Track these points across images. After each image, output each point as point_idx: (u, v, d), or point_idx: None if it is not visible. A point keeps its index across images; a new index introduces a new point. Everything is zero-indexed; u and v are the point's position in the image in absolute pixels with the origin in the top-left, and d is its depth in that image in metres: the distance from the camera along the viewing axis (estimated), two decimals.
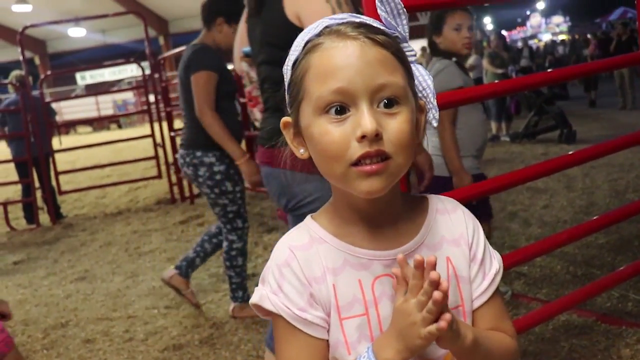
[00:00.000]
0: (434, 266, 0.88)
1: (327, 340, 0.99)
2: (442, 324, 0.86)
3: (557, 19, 43.43)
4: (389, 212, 1.00)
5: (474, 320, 1.05)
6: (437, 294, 0.86)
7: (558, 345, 2.83)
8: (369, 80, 0.90)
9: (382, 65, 0.91)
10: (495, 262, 1.07)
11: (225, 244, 3.61)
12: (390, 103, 0.91)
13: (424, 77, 1.01)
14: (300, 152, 1.01)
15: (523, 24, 51.11)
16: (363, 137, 0.89)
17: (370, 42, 0.92)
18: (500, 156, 8.07)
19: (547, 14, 46.14)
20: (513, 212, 5.17)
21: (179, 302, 4.01)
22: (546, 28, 43.29)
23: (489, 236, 3.25)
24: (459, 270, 1.03)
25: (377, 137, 0.89)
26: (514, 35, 39.88)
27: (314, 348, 0.98)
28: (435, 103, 1.00)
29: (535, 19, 45.45)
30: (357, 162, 0.90)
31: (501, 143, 9.30)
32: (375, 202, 0.96)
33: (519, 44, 29.91)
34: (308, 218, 1.06)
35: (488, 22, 50.50)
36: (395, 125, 0.91)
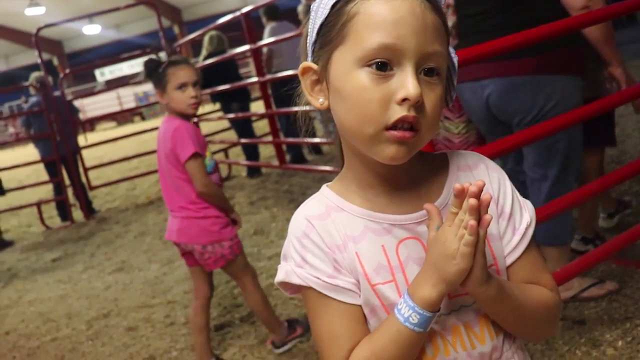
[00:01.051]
0: (479, 193, 0.86)
1: (361, 306, 0.97)
2: (482, 231, 0.87)
3: None
4: (408, 175, 0.97)
5: (508, 277, 1.01)
6: (472, 201, 0.85)
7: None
8: (423, 44, 0.86)
9: (437, 33, 0.88)
10: (526, 215, 1.01)
11: None
12: (432, 72, 0.88)
13: (452, 54, 0.98)
14: (320, 102, 0.97)
15: None
16: (404, 100, 0.85)
17: (429, 5, 0.88)
18: None
19: None
20: None
21: (216, 283, 4.04)
22: None
23: (600, 167, 3.17)
24: (488, 229, 0.98)
25: (418, 103, 0.86)
26: None
27: (350, 315, 0.96)
28: (455, 83, 0.99)
29: None
30: (392, 126, 0.87)
31: None
32: (395, 166, 0.93)
33: None
34: (324, 187, 1.03)
35: None
36: (433, 98, 0.88)
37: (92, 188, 7.62)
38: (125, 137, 8.42)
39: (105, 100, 24.31)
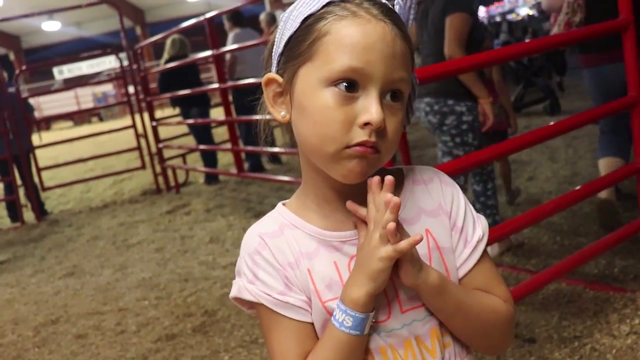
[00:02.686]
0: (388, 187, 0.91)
1: (311, 323, 0.97)
2: (402, 244, 0.87)
3: None
4: (362, 192, 0.96)
5: None
6: (388, 214, 0.88)
7: (548, 314, 2.86)
8: (390, 71, 0.88)
9: (404, 60, 0.90)
10: (478, 229, 1.03)
11: None
12: (397, 97, 0.91)
13: (414, 79, 1.00)
14: (282, 115, 0.97)
15: None
16: (366, 124, 0.87)
17: (400, 33, 0.90)
18: None
19: None
20: (498, 185, 5.18)
21: (169, 292, 4.01)
22: (524, 2, 43.29)
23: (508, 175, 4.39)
24: (440, 242, 1.00)
25: (379, 128, 0.87)
26: (492, 11, 39.85)
27: (300, 331, 0.97)
28: (413, 106, 1.02)
29: None
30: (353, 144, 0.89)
31: None
32: (350, 186, 0.94)
33: (498, 19, 29.93)
34: (279, 205, 1.05)
35: None
36: (394, 122, 0.90)
37: (44, 189, 7.44)
38: (82, 137, 8.26)
39: (62, 99, 23.80)
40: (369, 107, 0.87)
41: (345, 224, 0.98)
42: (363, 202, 0.96)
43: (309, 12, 0.91)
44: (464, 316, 0.97)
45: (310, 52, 0.90)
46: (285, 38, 0.94)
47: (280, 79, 0.95)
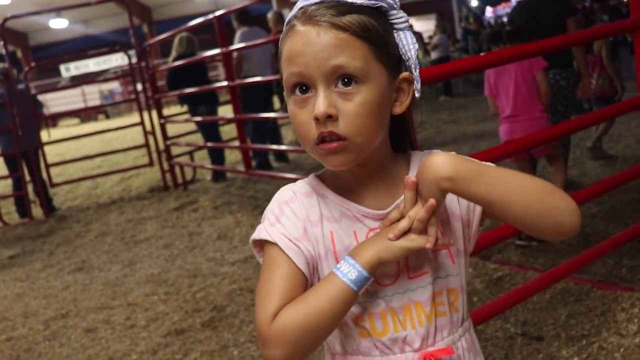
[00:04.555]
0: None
1: (306, 277, 1.03)
2: (427, 244, 0.97)
3: None
4: (377, 174, 1.06)
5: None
6: (423, 212, 0.96)
7: (556, 312, 2.87)
8: (321, 63, 0.96)
9: (336, 48, 0.95)
10: None
11: None
12: (349, 82, 0.96)
13: (409, 46, 1.02)
14: (292, 127, 1.08)
15: None
16: (317, 119, 0.96)
17: (328, 26, 0.96)
18: (490, 131, 8.09)
19: None
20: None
21: (178, 287, 4.04)
22: None
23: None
24: (450, 208, 1.08)
25: (330, 118, 0.95)
26: (499, 11, 39.79)
27: (295, 278, 1.01)
28: (417, 74, 1.02)
29: None
30: (320, 141, 0.98)
31: (490, 118, 9.31)
32: (360, 169, 1.04)
33: (505, 19, 29.86)
34: (312, 176, 1.12)
35: None
36: (351, 107, 0.96)
37: (53, 185, 7.48)
38: (91, 134, 8.29)
39: (69, 96, 23.87)
40: (316, 103, 0.96)
41: (363, 201, 1.06)
42: (379, 179, 1.06)
43: (281, 37, 1.04)
44: (513, 192, 0.96)
45: (281, 71, 1.03)
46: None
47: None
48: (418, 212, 0.97)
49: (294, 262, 1.01)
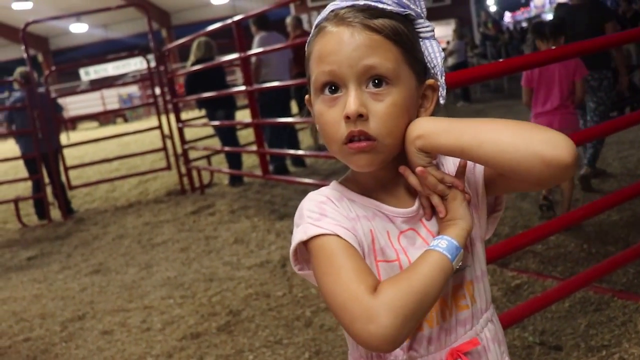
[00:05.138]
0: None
1: None
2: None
3: None
4: (397, 176, 1.05)
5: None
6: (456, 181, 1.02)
7: (575, 322, 2.84)
8: (354, 62, 0.97)
9: (369, 49, 0.97)
10: None
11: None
12: (379, 83, 0.98)
13: (435, 54, 1.05)
14: (317, 127, 1.08)
15: (527, 4, 50.67)
16: (348, 117, 0.96)
17: (362, 27, 0.98)
18: None
19: None
20: (524, 192, 5.15)
21: (194, 291, 4.04)
22: (550, 7, 42.90)
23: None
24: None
25: (361, 117, 0.96)
26: (518, 16, 39.54)
27: (366, 265, 0.97)
28: (443, 81, 1.05)
29: None
30: (349, 140, 0.98)
31: None
32: (382, 171, 1.04)
33: (524, 25, 29.71)
34: (334, 183, 1.11)
35: (492, 4, 50.11)
36: (381, 108, 0.98)
37: (71, 187, 7.54)
38: (109, 137, 8.35)
39: (88, 99, 24.10)
40: (347, 101, 0.97)
41: (392, 201, 1.06)
42: (401, 182, 1.07)
43: (308, 40, 1.06)
44: (483, 132, 0.96)
45: (309, 72, 1.05)
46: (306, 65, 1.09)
47: (309, 98, 1.09)
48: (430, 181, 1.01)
49: (355, 246, 0.98)
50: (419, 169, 1.00)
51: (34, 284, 4.85)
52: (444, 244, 0.97)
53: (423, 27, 1.04)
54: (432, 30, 1.05)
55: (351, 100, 0.96)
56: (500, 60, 3.08)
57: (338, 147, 1.00)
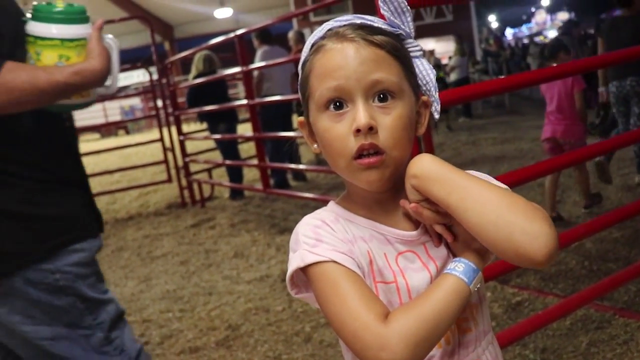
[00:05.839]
0: None
1: None
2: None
3: (563, 15, 43.27)
4: (397, 197, 1.04)
5: None
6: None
7: (576, 340, 2.82)
8: (362, 77, 0.97)
9: (375, 63, 0.98)
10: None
11: None
12: (385, 97, 0.98)
13: (427, 72, 1.07)
14: (314, 147, 1.09)
15: (528, 21, 50.96)
16: (358, 130, 0.96)
17: (365, 42, 0.99)
18: (510, 153, 8.05)
19: (552, 10, 45.99)
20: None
21: (193, 305, 4.02)
22: (552, 24, 43.13)
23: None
24: None
25: (371, 130, 0.96)
26: (520, 33, 39.71)
27: (370, 290, 0.96)
28: (437, 96, 1.06)
29: (541, 16, 45.30)
30: (358, 156, 0.97)
31: (510, 140, 9.26)
32: (385, 190, 1.03)
33: (525, 41, 29.85)
34: (331, 203, 1.10)
35: (493, 20, 50.39)
36: (389, 121, 0.98)
37: None
38: (111, 149, 8.36)
39: (90, 111, 23.94)
40: (356, 115, 0.97)
41: (397, 222, 1.05)
42: (396, 204, 1.05)
43: (303, 59, 1.07)
44: (471, 199, 0.93)
45: (309, 89, 1.04)
46: (299, 84, 1.09)
47: (304, 120, 1.09)
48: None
49: (355, 271, 0.97)
50: (412, 205, 1.00)
51: None
52: (461, 267, 0.96)
53: (412, 47, 1.07)
54: (421, 50, 1.08)
55: (361, 113, 0.96)
56: (502, 76, 3.08)
57: (346, 163, 0.99)
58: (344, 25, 1.02)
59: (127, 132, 24.62)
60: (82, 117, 23.24)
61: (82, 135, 25.11)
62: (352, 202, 1.08)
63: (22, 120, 1.66)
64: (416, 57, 1.07)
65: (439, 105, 1.06)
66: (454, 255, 1.02)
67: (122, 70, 10.40)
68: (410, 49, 1.06)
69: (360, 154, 0.97)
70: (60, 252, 1.71)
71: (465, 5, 22.52)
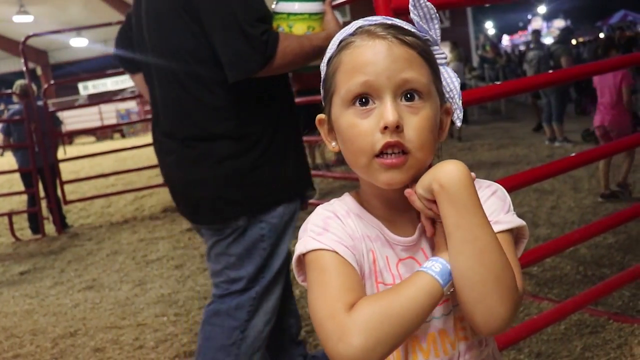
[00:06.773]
0: None
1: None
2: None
3: (559, 22, 43.43)
4: (405, 202, 1.01)
5: None
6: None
7: (571, 344, 2.82)
8: (393, 74, 0.96)
9: (406, 62, 0.97)
10: (511, 219, 1.02)
11: None
12: (412, 97, 0.97)
13: (451, 79, 1.07)
14: (332, 145, 1.08)
15: (525, 28, 51.10)
16: (385, 127, 0.95)
17: (397, 41, 0.98)
18: (505, 159, 8.07)
19: (549, 17, 46.16)
20: (520, 213, 5.10)
21: (188, 309, 4.01)
22: (548, 32, 43.30)
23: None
24: None
25: (398, 128, 0.95)
26: (516, 40, 39.85)
27: (357, 279, 0.97)
28: (460, 104, 1.06)
29: (537, 23, 45.45)
30: (380, 154, 0.96)
31: (506, 146, 9.28)
32: (399, 192, 1.00)
33: (522, 48, 29.94)
34: (346, 194, 1.10)
35: (490, 27, 50.56)
36: (416, 121, 0.97)
37: (66, 202, 7.51)
38: (106, 153, 8.35)
39: (86, 114, 24.08)
40: (384, 112, 0.95)
41: (396, 228, 1.05)
42: (405, 208, 1.03)
43: (329, 55, 1.06)
44: (471, 249, 0.91)
45: (334, 84, 1.03)
46: (322, 80, 1.09)
47: (324, 117, 1.08)
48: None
49: (352, 264, 0.97)
50: (407, 190, 0.99)
51: (25, 299, 4.80)
52: (438, 267, 0.93)
53: (439, 54, 1.06)
54: (446, 57, 1.08)
55: (389, 111, 0.95)
56: (498, 82, 3.09)
57: (367, 161, 0.97)
58: (375, 24, 1.01)
59: (123, 136, 24.58)
60: (77, 120, 23.27)
61: (77, 138, 25.12)
62: (364, 200, 1.08)
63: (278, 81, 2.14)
64: (441, 64, 1.07)
65: (462, 113, 1.06)
66: (433, 250, 1.02)
67: (119, 73, 10.44)
68: (436, 56, 1.06)
69: (382, 152, 0.96)
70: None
71: (462, 12, 22.59)
